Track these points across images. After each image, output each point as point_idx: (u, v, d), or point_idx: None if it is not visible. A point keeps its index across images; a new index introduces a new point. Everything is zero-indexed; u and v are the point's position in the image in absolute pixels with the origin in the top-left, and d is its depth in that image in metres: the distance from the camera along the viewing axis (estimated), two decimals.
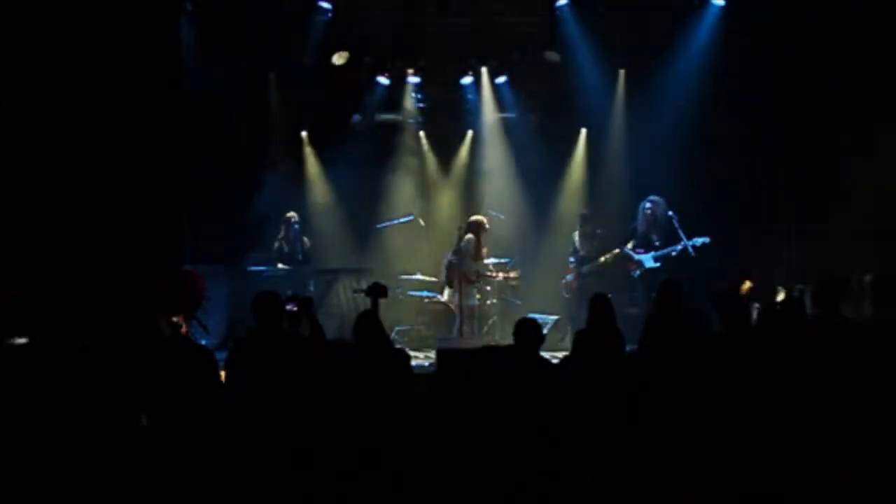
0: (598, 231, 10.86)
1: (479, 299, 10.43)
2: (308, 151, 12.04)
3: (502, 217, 11.33)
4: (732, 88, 10.37)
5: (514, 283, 10.73)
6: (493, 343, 10.02)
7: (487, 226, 10.52)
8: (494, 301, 10.65)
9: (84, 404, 3.43)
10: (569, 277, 10.86)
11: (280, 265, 10.57)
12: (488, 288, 10.58)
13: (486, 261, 10.53)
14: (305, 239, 10.80)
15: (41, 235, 8.46)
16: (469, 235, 10.39)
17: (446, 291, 10.49)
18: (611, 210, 11.37)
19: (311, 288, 10.44)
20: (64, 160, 8.65)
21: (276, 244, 10.88)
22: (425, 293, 10.89)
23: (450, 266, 10.39)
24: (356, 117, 11.76)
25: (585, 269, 10.73)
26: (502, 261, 10.67)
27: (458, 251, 10.27)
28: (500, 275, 10.56)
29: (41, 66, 8.35)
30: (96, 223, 8.78)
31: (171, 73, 9.77)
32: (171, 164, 9.83)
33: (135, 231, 9.06)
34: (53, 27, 8.42)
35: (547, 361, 5.49)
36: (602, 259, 10.47)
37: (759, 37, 10.32)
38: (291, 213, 10.91)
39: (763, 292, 9.49)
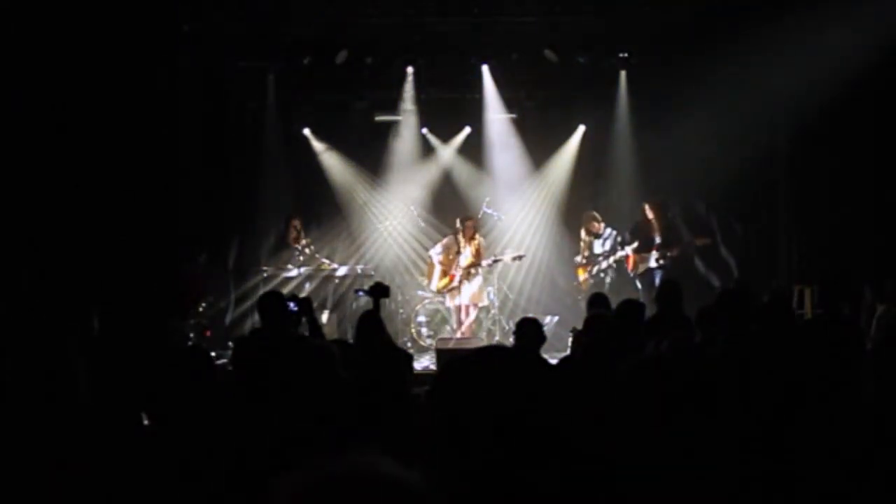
0: (607, 229, 10.88)
1: (472, 296, 10.40)
2: (310, 151, 12.04)
3: (501, 217, 11.32)
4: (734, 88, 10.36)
5: (517, 260, 10.68)
6: (493, 342, 10.05)
7: (461, 226, 10.42)
8: (493, 298, 10.67)
9: (85, 403, 3.43)
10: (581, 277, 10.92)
11: (281, 265, 10.57)
12: (478, 279, 10.51)
13: (485, 260, 10.54)
14: (305, 241, 10.79)
15: (41, 235, 8.46)
16: (450, 236, 10.47)
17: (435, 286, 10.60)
18: (612, 209, 11.38)
19: (311, 288, 10.44)
20: (64, 163, 8.65)
21: (278, 244, 10.89)
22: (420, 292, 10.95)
23: (436, 263, 10.51)
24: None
25: (595, 269, 10.76)
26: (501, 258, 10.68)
27: (439, 251, 10.45)
28: (506, 257, 10.52)
29: (40, 68, 8.35)
30: (95, 224, 8.78)
31: (169, 75, 9.77)
32: (171, 165, 9.83)
33: (134, 231, 9.06)
34: (53, 31, 8.41)
35: (546, 362, 5.49)
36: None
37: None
38: (292, 214, 10.92)
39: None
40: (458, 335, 10.10)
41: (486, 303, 10.48)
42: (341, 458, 1.38)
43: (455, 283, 10.35)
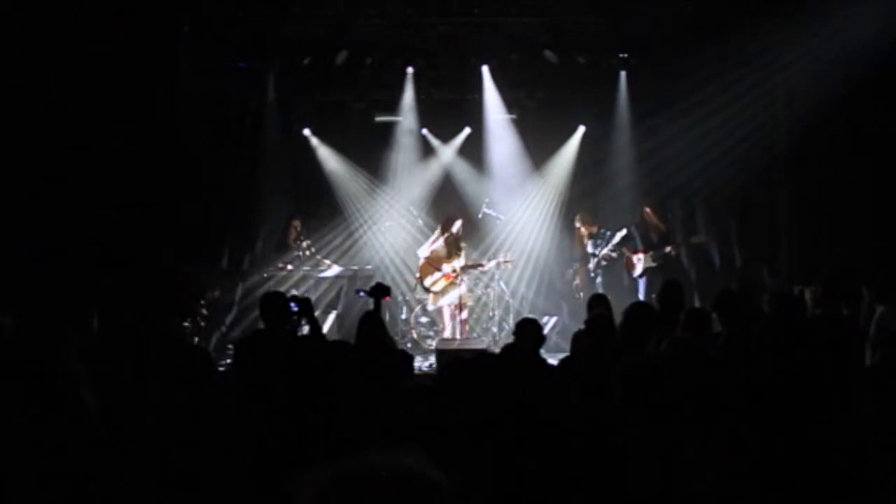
0: (602, 230, 10.88)
1: (464, 296, 10.39)
2: (310, 151, 12.02)
3: (501, 217, 11.31)
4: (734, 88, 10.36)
5: (507, 264, 10.69)
6: (493, 342, 10.06)
7: (455, 226, 10.43)
8: (491, 297, 10.67)
9: (86, 402, 3.43)
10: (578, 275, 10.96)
11: (281, 265, 10.57)
12: (465, 282, 10.50)
13: (485, 261, 10.52)
14: (306, 242, 10.77)
15: (41, 235, 8.47)
16: (438, 235, 10.47)
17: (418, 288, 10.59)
18: (611, 209, 11.38)
19: (311, 288, 10.43)
20: (64, 163, 8.66)
21: (278, 245, 10.88)
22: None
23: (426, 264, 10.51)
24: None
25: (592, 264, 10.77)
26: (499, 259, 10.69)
27: (428, 250, 10.44)
28: (490, 263, 10.54)
29: (41, 69, 8.36)
30: (95, 224, 8.79)
31: (169, 75, 9.78)
32: (171, 165, 9.84)
33: (134, 231, 9.07)
34: (53, 32, 8.43)
35: (546, 362, 5.50)
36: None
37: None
38: (293, 214, 10.92)
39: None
40: (446, 334, 10.12)
41: (471, 303, 10.50)
42: (363, 456, 1.34)
43: (444, 285, 10.35)
